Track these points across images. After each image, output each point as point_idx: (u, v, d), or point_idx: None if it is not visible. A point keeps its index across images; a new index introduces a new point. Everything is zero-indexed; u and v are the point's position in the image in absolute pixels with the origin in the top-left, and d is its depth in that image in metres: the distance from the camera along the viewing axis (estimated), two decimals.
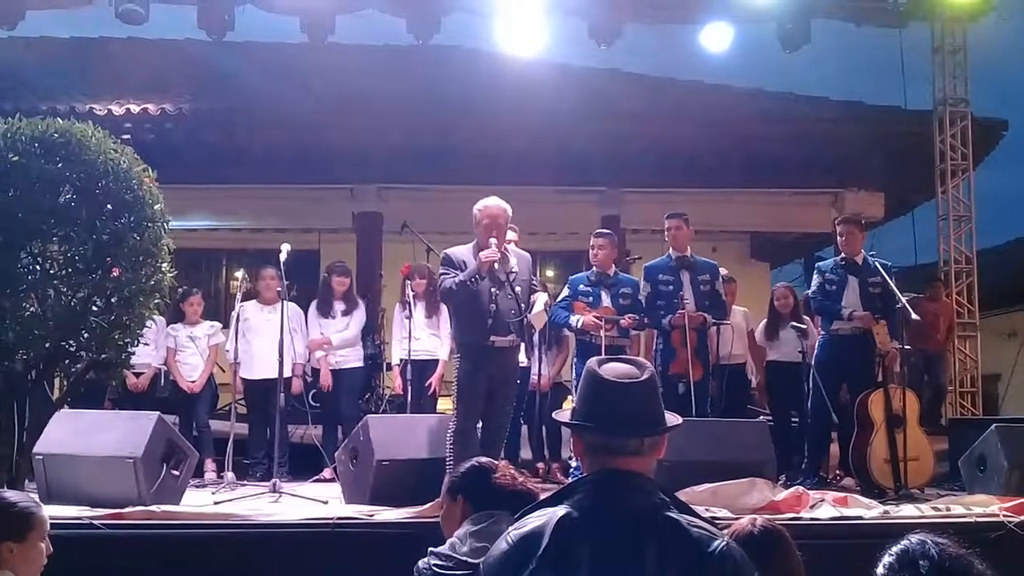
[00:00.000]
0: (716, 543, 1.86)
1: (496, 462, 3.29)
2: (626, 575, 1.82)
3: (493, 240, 5.65)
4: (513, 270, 5.76)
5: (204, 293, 8.65)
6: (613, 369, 2.01)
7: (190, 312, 7.96)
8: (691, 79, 13.19)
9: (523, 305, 5.77)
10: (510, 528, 1.94)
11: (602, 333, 6.73)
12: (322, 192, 11.75)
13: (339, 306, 7.96)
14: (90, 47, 12.96)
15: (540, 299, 5.99)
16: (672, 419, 2.05)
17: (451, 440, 5.55)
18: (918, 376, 9.87)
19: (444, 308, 7.88)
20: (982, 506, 5.64)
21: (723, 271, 7.59)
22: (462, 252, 5.76)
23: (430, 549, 2.92)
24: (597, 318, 6.82)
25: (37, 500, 3.02)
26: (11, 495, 3.02)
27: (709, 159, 11.39)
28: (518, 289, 5.78)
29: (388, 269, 10.60)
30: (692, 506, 2.02)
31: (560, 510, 1.90)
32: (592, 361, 2.06)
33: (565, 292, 7.25)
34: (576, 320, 6.91)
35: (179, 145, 10.46)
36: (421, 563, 2.87)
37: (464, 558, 2.80)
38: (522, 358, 6.82)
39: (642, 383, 1.99)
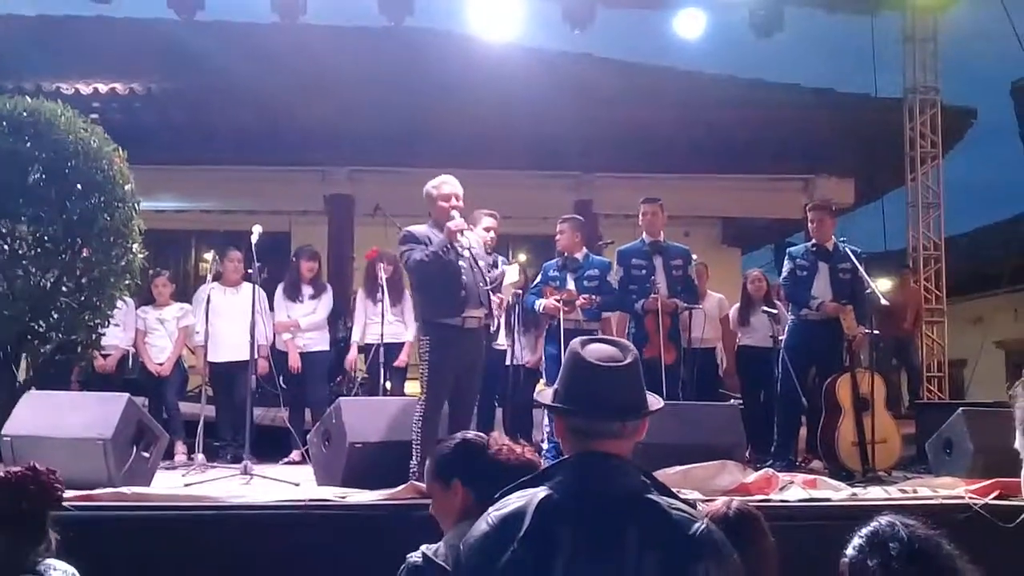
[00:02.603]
0: (696, 526, 1.88)
1: (485, 435, 2.94)
2: (607, 557, 1.83)
3: (455, 212, 5.64)
4: (472, 246, 5.76)
5: (172, 275, 8.57)
6: (596, 351, 2.00)
7: (157, 294, 7.90)
8: (664, 65, 13.20)
9: (488, 278, 5.79)
10: (490, 509, 1.93)
11: (560, 316, 6.79)
12: (293, 174, 11.67)
13: (307, 290, 7.96)
14: (56, 26, 12.78)
15: (511, 270, 6.00)
16: (654, 402, 2.05)
17: (419, 424, 5.46)
18: (887, 360, 9.99)
19: (408, 294, 7.88)
20: (948, 488, 5.72)
21: (694, 257, 7.63)
22: (423, 230, 5.66)
23: (422, 548, 2.57)
24: (557, 301, 6.88)
25: None
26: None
27: (681, 145, 11.43)
28: (481, 263, 5.81)
29: (360, 252, 10.55)
30: None
31: (541, 492, 1.90)
32: (576, 342, 2.04)
33: (539, 278, 7.32)
34: (539, 304, 7.02)
35: (148, 126, 10.34)
36: (409, 557, 2.56)
37: (441, 563, 2.47)
38: (501, 340, 6.82)
39: (625, 366, 1.99)
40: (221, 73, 10.89)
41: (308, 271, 7.96)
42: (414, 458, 5.38)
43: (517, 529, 1.84)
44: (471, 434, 2.96)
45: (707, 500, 3.41)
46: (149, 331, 7.87)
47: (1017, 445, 1.30)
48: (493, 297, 6.40)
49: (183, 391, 8.21)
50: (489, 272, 5.88)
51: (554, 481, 1.93)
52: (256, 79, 10.83)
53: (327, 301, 8.04)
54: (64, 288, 4.09)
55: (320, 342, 8.03)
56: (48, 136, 4.11)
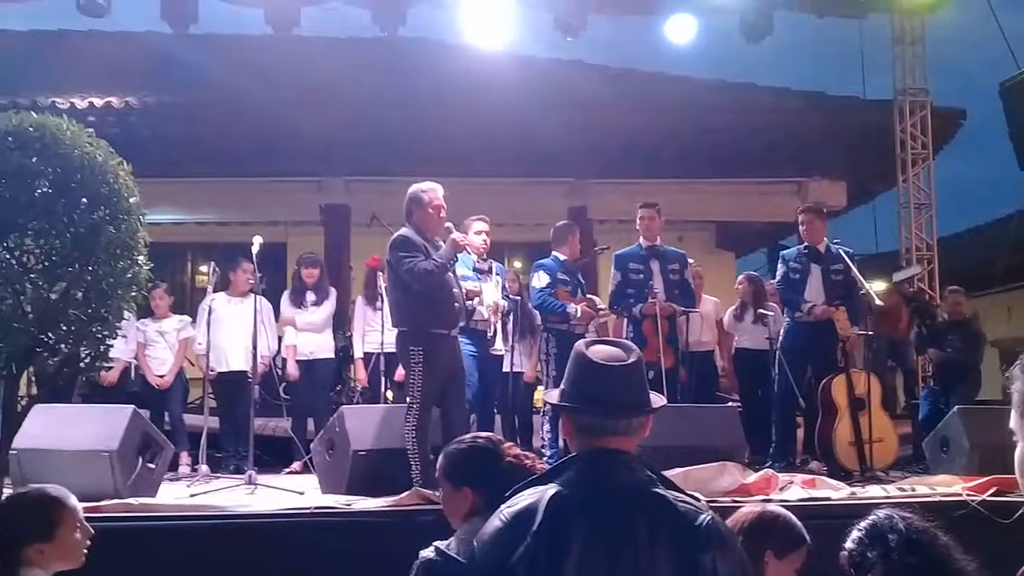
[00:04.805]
0: (702, 517, 1.94)
1: (497, 440, 2.97)
2: (618, 549, 1.89)
3: (450, 224, 5.68)
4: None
5: (169, 288, 8.61)
6: (601, 351, 2.07)
7: (155, 306, 7.95)
8: (655, 70, 13.28)
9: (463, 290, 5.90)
10: (502, 506, 1.99)
11: (593, 324, 6.86)
12: (288, 185, 11.75)
13: (310, 296, 7.99)
14: (49, 40, 12.78)
15: (489, 290, 6.10)
16: (657, 400, 2.12)
17: (413, 433, 5.43)
18: (882, 361, 10.04)
19: None
20: (946, 486, 5.79)
21: (691, 261, 7.70)
22: (415, 237, 5.60)
23: (435, 544, 2.60)
24: (589, 307, 6.95)
25: (64, 491, 2.88)
26: (34, 491, 2.91)
27: (674, 150, 11.52)
28: (465, 273, 5.89)
29: (357, 262, 10.60)
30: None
31: (551, 488, 1.97)
32: (580, 343, 2.12)
33: (546, 279, 7.06)
34: (575, 309, 6.94)
35: (143, 139, 10.38)
36: (422, 554, 2.59)
37: (454, 555, 2.52)
38: (498, 346, 6.87)
39: (630, 365, 2.06)
40: (216, 86, 10.94)
41: (308, 277, 8.00)
42: (414, 466, 5.41)
43: (530, 524, 1.90)
44: (482, 438, 2.98)
45: (709, 502, 3.47)
46: (149, 343, 7.92)
47: (1013, 425, 1.37)
48: (489, 303, 6.53)
49: (185, 402, 8.25)
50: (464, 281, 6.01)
51: (564, 477, 2.00)
52: (250, 91, 10.85)
53: (329, 305, 8.07)
54: (72, 300, 4.15)
55: (325, 350, 8.05)
56: (54, 150, 4.15)
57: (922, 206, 11.60)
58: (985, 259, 15.72)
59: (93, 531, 2.90)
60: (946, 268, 11.75)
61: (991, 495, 5.32)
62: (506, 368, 7.36)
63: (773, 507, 3.17)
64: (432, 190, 5.73)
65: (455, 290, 5.70)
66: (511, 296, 7.39)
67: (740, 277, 8.91)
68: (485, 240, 6.76)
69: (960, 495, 5.41)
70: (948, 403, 7.41)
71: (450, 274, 5.69)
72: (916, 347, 9.21)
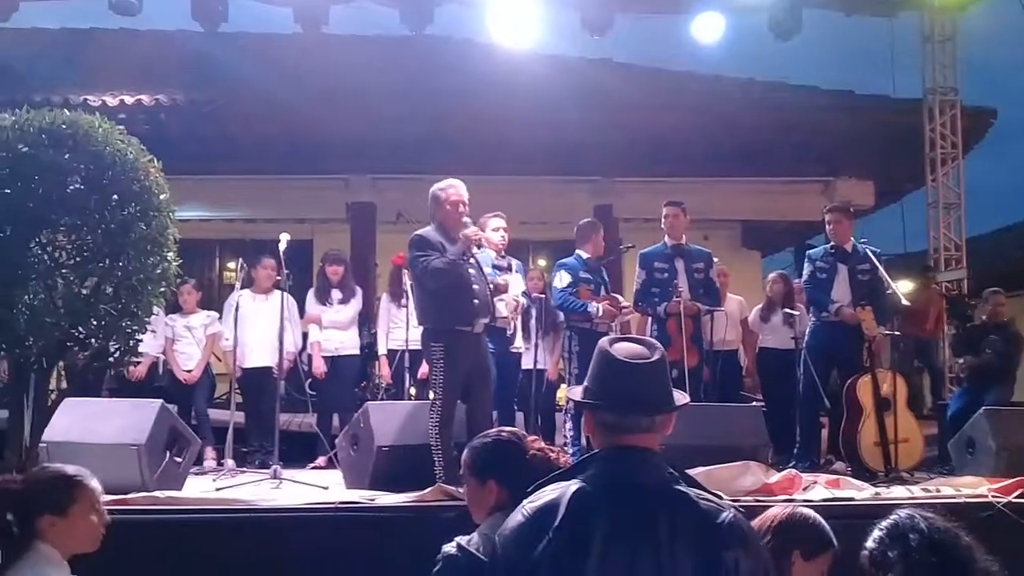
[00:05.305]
0: (724, 514, 1.95)
1: (522, 434, 2.98)
2: (640, 546, 1.90)
3: (468, 219, 5.70)
4: (476, 252, 5.84)
5: (197, 283, 8.69)
6: (625, 349, 2.08)
7: (183, 302, 8.03)
8: (683, 69, 13.26)
9: (491, 285, 5.89)
10: (525, 501, 2.01)
11: (616, 322, 6.85)
12: (316, 182, 11.83)
13: (336, 294, 8.03)
14: (81, 38, 12.94)
15: (516, 282, 6.07)
16: (680, 398, 2.13)
17: (436, 429, 5.48)
18: (909, 362, 9.98)
19: None
20: (971, 487, 5.73)
21: (716, 260, 7.67)
22: (433, 234, 5.63)
23: (456, 539, 2.61)
24: (612, 306, 6.94)
25: (86, 472, 2.92)
26: (55, 467, 2.98)
27: (701, 148, 11.48)
28: (486, 270, 5.88)
29: (382, 259, 10.65)
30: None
31: (573, 484, 1.98)
32: (604, 341, 2.13)
33: (567, 278, 7.05)
34: (596, 308, 6.95)
35: (173, 136, 10.44)
36: (444, 549, 2.60)
37: (475, 551, 2.53)
38: (518, 344, 6.87)
39: (653, 363, 2.07)
40: (245, 83, 11.02)
41: (332, 275, 8.04)
42: (437, 463, 5.44)
43: (552, 520, 1.92)
44: (507, 432, 2.99)
45: (733, 501, 3.47)
46: (177, 339, 8.00)
47: None
48: (509, 300, 6.52)
49: (211, 398, 8.32)
50: (493, 277, 5.99)
51: (586, 474, 2.01)
52: (279, 89, 10.93)
53: (355, 304, 8.10)
54: (103, 295, 4.21)
55: (350, 346, 8.08)
56: (86, 148, 4.22)
57: (951, 206, 11.51)
58: (1015, 259, 15.56)
59: (110, 519, 2.93)
60: (974, 269, 11.64)
61: (1017, 496, 5.26)
62: (528, 365, 7.34)
63: (803, 508, 3.17)
64: (451, 187, 5.76)
65: (475, 286, 5.68)
66: (533, 294, 7.41)
67: (772, 275, 8.86)
68: (503, 236, 6.77)
69: (985, 496, 5.36)
70: (982, 404, 7.29)
71: (472, 271, 5.70)
72: (954, 349, 9.11)
